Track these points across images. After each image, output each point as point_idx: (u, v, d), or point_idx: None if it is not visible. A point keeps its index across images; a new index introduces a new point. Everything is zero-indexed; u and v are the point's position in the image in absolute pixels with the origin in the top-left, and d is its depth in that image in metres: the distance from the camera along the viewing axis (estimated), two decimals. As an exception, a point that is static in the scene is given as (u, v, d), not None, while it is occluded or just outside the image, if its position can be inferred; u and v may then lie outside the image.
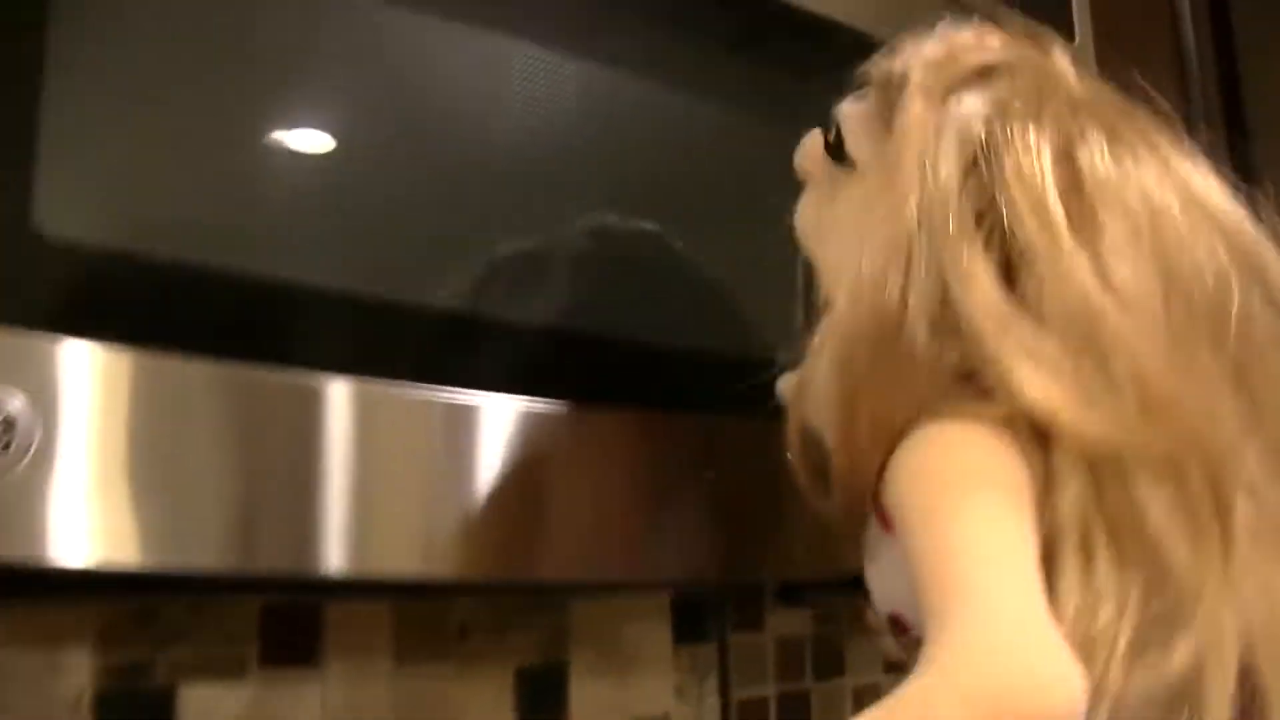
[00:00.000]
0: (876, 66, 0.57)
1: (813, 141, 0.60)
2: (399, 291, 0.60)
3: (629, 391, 0.68)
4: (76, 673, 0.78)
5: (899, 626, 0.54)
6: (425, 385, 0.59)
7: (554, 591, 0.96)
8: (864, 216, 0.53)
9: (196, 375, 0.53)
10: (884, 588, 0.54)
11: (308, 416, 0.56)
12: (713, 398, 0.71)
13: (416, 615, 0.92)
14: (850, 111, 0.58)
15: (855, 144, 0.57)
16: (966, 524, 0.43)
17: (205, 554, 0.54)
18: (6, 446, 0.47)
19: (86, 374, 0.49)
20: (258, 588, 0.81)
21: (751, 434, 0.66)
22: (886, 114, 0.54)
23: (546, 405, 0.63)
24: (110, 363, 0.50)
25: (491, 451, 0.61)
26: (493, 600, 0.95)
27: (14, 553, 0.48)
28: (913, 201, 0.49)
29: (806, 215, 0.61)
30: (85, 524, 0.49)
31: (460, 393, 0.60)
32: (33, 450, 0.48)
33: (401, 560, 0.59)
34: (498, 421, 0.61)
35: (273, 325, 0.56)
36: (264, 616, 0.85)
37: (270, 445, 0.55)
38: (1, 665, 0.76)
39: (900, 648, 0.54)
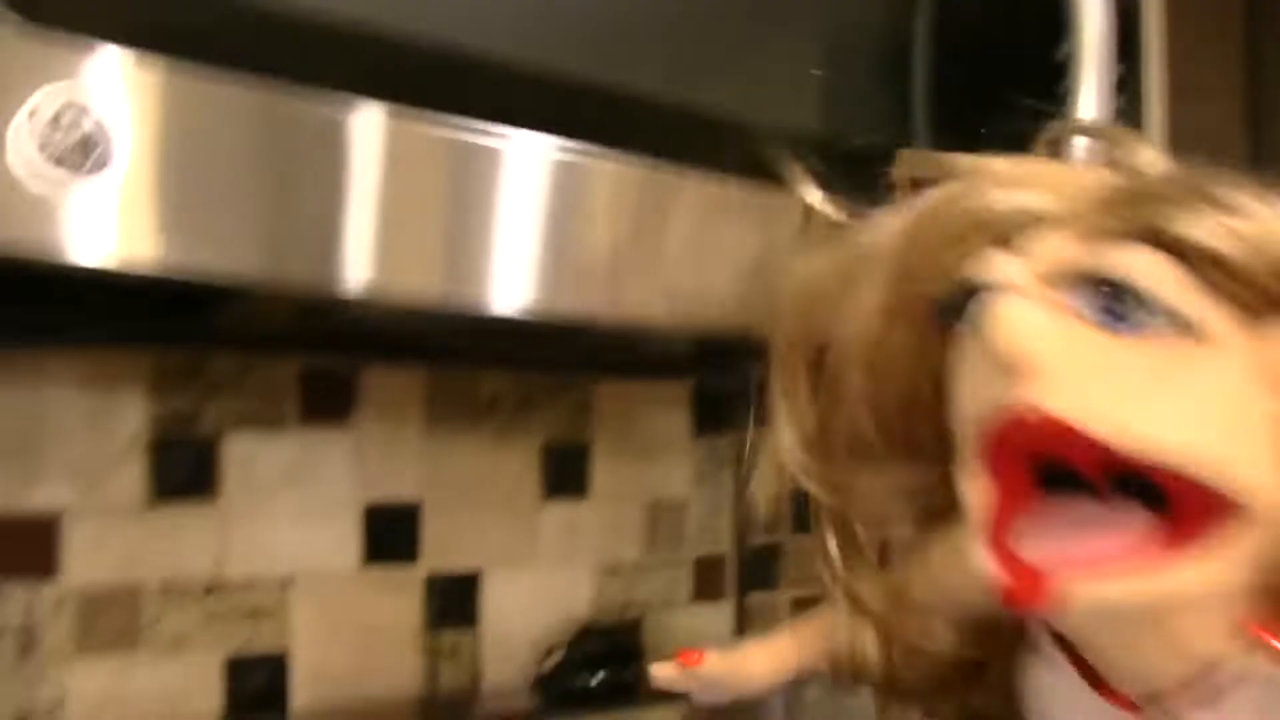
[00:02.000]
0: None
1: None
2: (432, 27, 0.63)
3: (658, 146, 0.71)
4: (131, 418, 0.85)
5: None
6: (455, 118, 0.62)
7: (576, 335, 1.01)
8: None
9: (229, 95, 0.56)
10: None
11: (338, 141, 0.59)
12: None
13: (446, 385, 0.97)
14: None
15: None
16: None
17: (245, 261, 0.58)
18: (83, 159, 0.51)
19: (136, 85, 0.53)
20: (297, 342, 0.87)
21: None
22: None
23: (577, 149, 0.66)
24: (149, 75, 0.54)
25: (518, 189, 0.64)
26: (520, 376, 1.01)
27: (89, 259, 0.53)
28: None
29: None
30: (141, 231, 0.54)
31: (491, 128, 0.63)
32: (101, 160, 0.52)
33: (423, 285, 0.63)
34: (526, 160, 0.64)
35: (304, 53, 0.59)
36: (303, 376, 0.91)
37: (301, 165, 0.59)
38: (62, 406, 0.82)
39: None
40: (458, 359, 0.97)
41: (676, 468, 1.10)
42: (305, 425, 0.91)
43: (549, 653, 0.97)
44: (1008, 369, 0.39)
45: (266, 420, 0.90)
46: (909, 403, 0.48)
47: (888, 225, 0.48)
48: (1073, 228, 0.42)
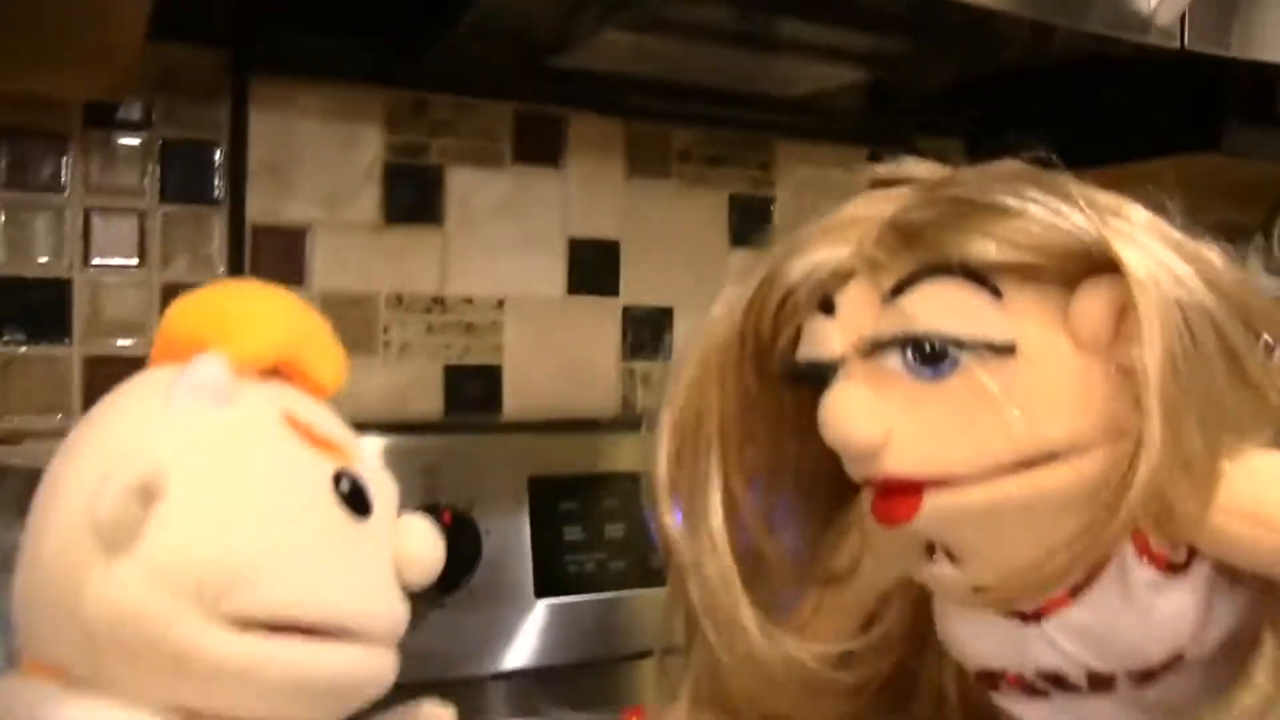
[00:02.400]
0: None
1: None
2: None
3: None
4: (367, 148, 0.94)
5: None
6: None
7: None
8: None
9: None
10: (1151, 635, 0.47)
11: None
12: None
13: (643, 137, 1.05)
14: None
15: None
16: None
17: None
18: None
19: None
20: (513, 87, 0.96)
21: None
22: None
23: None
24: None
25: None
26: (709, 133, 1.07)
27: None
28: None
29: None
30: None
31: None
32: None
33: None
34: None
35: None
36: (516, 119, 0.99)
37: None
38: (311, 135, 0.92)
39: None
40: (654, 113, 1.04)
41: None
42: (518, 163, 1.00)
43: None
44: (847, 454, 0.45)
45: (484, 157, 0.98)
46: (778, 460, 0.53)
47: (731, 300, 0.52)
48: (866, 276, 0.46)
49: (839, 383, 0.45)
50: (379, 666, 0.44)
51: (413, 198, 0.96)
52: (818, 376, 0.46)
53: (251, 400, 0.44)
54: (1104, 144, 1.08)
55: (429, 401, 0.97)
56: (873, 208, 0.48)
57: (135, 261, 0.87)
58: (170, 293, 0.88)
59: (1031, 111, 1.11)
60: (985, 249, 0.43)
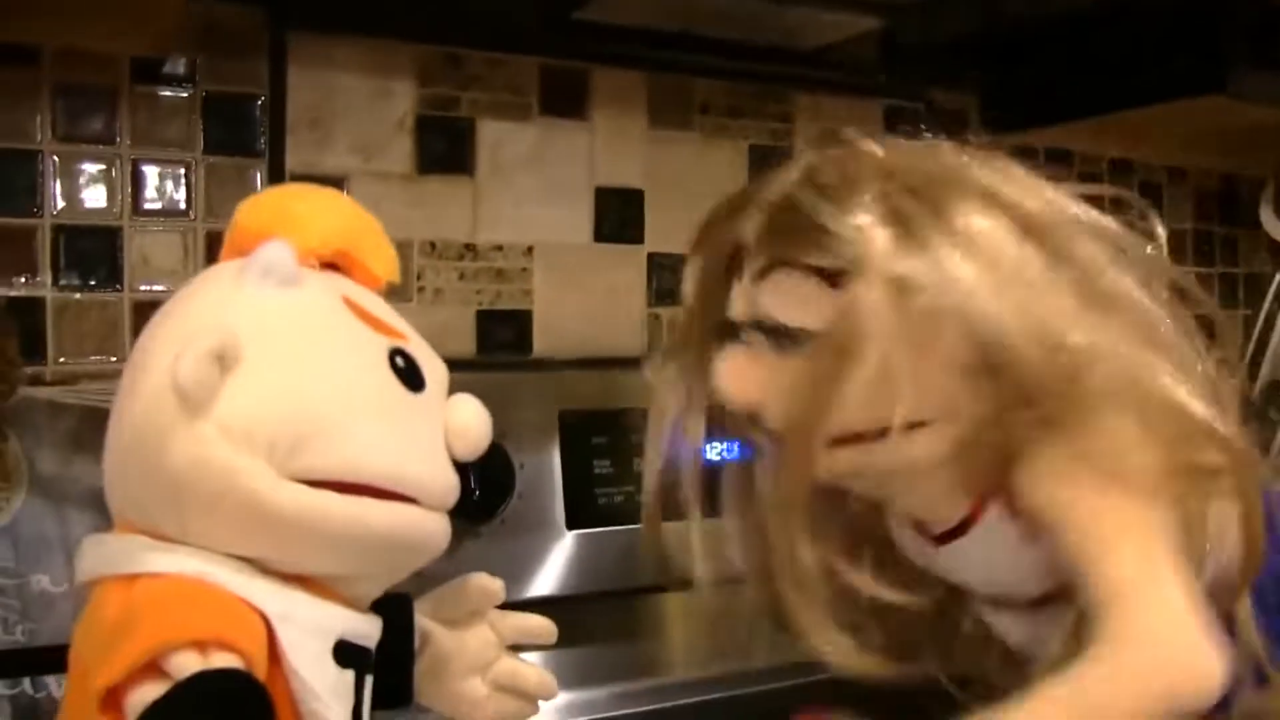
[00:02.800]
0: None
1: None
2: None
3: None
4: (401, 100, 0.98)
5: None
6: None
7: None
8: None
9: None
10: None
11: None
12: None
13: (666, 88, 1.08)
14: None
15: None
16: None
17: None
18: None
19: None
20: (539, 42, 0.99)
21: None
22: None
23: None
24: None
25: None
26: (729, 85, 1.11)
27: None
28: None
29: None
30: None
31: None
32: None
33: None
34: None
35: None
36: (543, 74, 1.03)
37: None
38: (347, 88, 0.96)
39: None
40: (676, 66, 1.08)
41: (870, 179, 1.19)
42: (546, 115, 1.03)
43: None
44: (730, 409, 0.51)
45: (513, 109, 1.02)
46: None
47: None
48: (753, 259, 0.51)
49: (727, 348, 0.51)
50: (434, 529, 0.48)
51: (444, 149, 1.00)
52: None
53: (314, 284, 0.48)
54: (1111, 91, 1.11)
55: (462, 345, 1.00)
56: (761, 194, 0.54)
57: (182, 210, 0.91)
58: (215, 240, 0.92)
59: (1042, 62, 1.14)
60: (814, 255, 0.49)
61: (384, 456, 0.45)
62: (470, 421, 0.50)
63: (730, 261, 0.53)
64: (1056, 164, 1.29)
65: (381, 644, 0.49)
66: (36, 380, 0.86)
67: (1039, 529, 0.50)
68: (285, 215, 0.49)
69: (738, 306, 0.51)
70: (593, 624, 0.95)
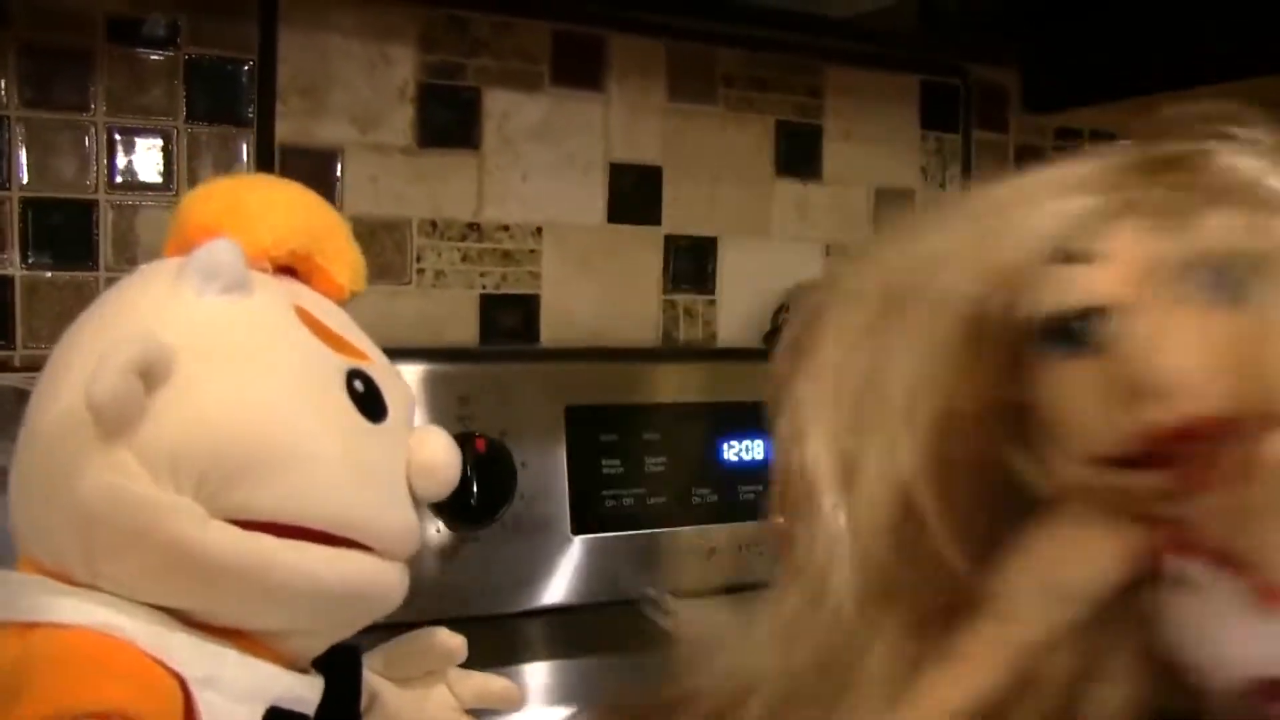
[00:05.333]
0: None
1: None
2: None
3: None
4: (401, 67, 0.91)
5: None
6: None
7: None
8: None
9: None
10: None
11: None
12: None
13: (687, 57, 1.01)
14: None
15: None
16: None
17: None
18: None
19: None
20: (551, 6, 0.92)
21: None
22: None
23: None
24: None
25: None
26: (756, 55, 1.03)
27: None
28: None
29: None
30: None
31: None
32: None
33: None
34: None
35: None
36: (555, 40, 0.96)
37: None
38: (343, 54, 0.89)
39: None
40: (699, 35, 1.00)
41: (904, 157, 1.12)
42: (558, 85, 0.96)
43: (782, 310, 1.02)
44: (1159, 389, 0.36)
45: (522, 78, 0.95)
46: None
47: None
48: (1134, 213, 0.40)
49: (1146, 317, 0.38)
50: (390, 580, 0.41)
51: (448, 120, 0.92)
52: (1081, 330, 0.39)
53: (264, 290, 0.41)
54: (1170, 68, 1.03)
55: (464, 331, 0.94)
56: (1087, 165, 0.43)
57: (161, 183, 0.85)
58: (198, 216, 0.86)
59: (1092, 34, 1.06)
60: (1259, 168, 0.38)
61: (334, 496, 0.39)
62: (438, 457, 0.43)
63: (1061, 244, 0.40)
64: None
65: (322, 705, 0.42)
66: (4, 366, 0.80)
67: None
68: (236, 209, 0.43)
69: (1179, 249, 0.38)
70: (599, 636, 0.88)
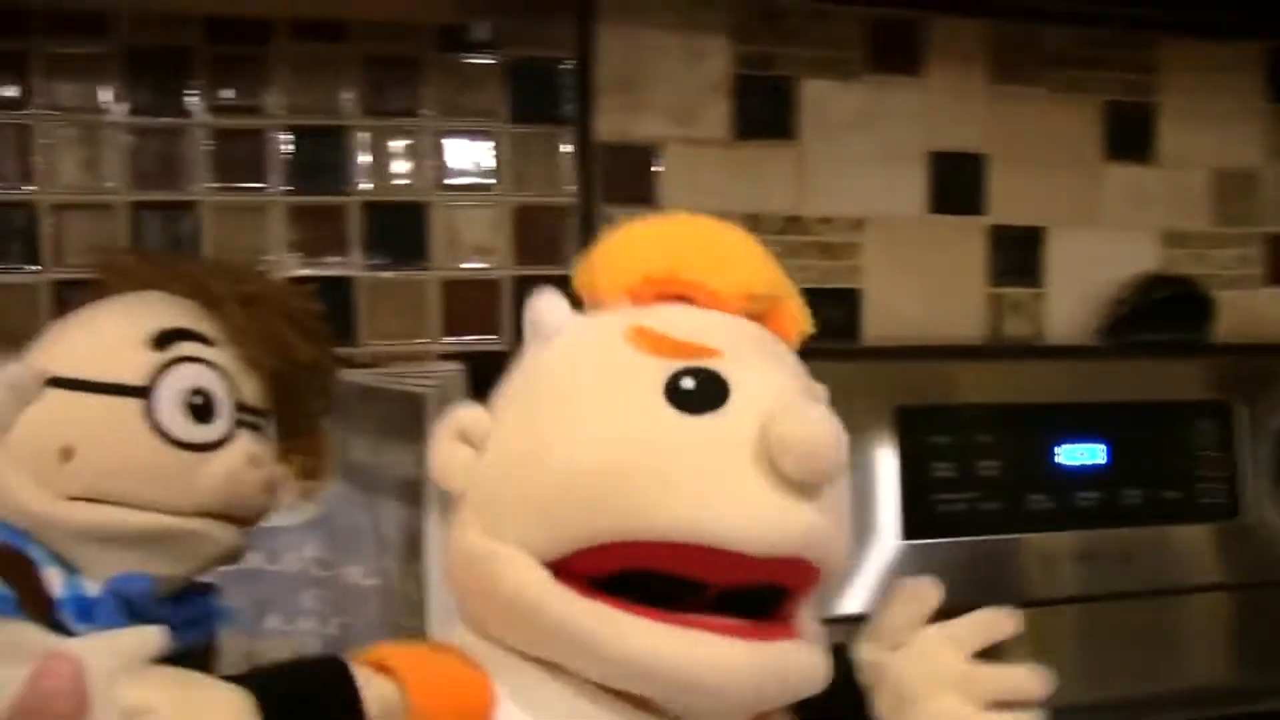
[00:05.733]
0: None
1: None
2: None
3: None
4: (716, 59, 0.89)
5: None
6: None
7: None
8: None
9: None
10: None
11: None
12: None
13: (1011, 39, 0.95)
14: None
15: None
16: None
17: None
18: None
19: None
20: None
21: None
22: None
23: None
24: None
25: None
26: (1085, 32, 0.96)
27: None
28: None
29: None
30: None
31: None
32: None
33: None
34: None
35: None
36: (871, 26, 0.92)
37: None
38: (658, 49, 0.88)
39: None
40: (1022, 12, 0.95)
41: (1247, 136, 1.03)
42: (874, 73, 0.92)
43: (1117, 304, 0.95)
44: None
45: (838, 67, 0.92)
46: None
47: None
48: None
49: None
50: (725, 666, 0.38)
51: (764, 111, 0.90)
52: None
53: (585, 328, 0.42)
54: None
55: (784, 328, 0.91)
56: None
57: (487, 182, 0.86)
58: (522, 214, 0.87)
59: None
60: None
61: (645, 503, 0.37)
62: (793, 432, 0.37)
63: None
64: None
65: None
66: (347, 363, 0.82)
67: None
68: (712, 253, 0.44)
69: None
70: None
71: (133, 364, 0.46)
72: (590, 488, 0.36)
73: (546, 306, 0.41)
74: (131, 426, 0.46)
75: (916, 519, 0.84)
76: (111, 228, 0.79)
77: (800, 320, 0.45)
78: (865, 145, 0.92)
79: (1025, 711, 0.46)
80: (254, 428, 0.49)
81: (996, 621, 0.48)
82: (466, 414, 0.40)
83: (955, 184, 0.95)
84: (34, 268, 0.78)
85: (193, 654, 0.48)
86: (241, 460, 0.47)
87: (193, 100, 0.80)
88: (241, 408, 0.48)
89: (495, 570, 0.37)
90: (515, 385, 0.41)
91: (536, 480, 0.37)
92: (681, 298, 0.41)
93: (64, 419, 0.46)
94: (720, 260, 0.42)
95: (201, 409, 0.47)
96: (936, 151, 0.94)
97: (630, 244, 0.43)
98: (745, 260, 0.43)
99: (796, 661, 0.37)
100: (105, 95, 0.79)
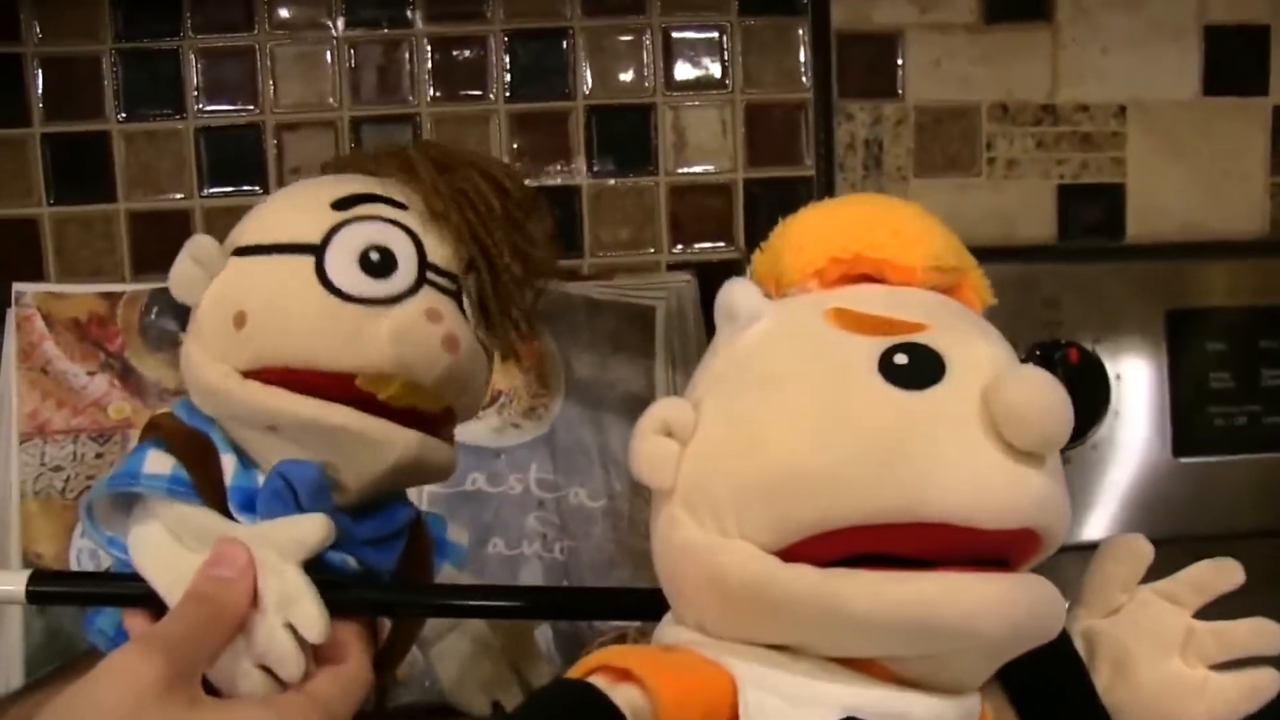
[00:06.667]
0: None
1: None
2: None
3: None
4: None
5: None
6: None
7: None
8: None
9: None
10: None
11: None
12: None
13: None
14: None
15: None
16: None
17: None
18: None
19: None
20: None
21: None
22: None
23: None
24: None
25: None
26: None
27: None
28: None
29: None
30: None
31: None
32: None
33: None
34: None
35: None
36: None
37: None
38: None
39: None
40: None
41: None
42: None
43: None
44: None
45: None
46: None
47: None
48: None
49: None
50: (963, 602, 0.35)
51: (1018, -10, 0.83)
52: None
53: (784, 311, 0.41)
54: None
55: (1040, 226, 0.84)
56: None
57: (718, 79, 0.81)
58: (753, 114, 0.82)
59: None
60: None
61: (863, 485, 0.35)
62: (1015, 399, 0.35)
63: None
64: None
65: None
66: (573, 275, 0.80)
67: None
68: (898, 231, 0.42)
69: None
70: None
71: (310, 224, 0.46)
72: (817, 474, 0.36)
73: (741, 292, 0.41)
74: (301, 282, 0.45)
75: (1190, 435, 0.78)
76: (333, 145, 0.78)
77: (983, 291, 0.43)
78: (1128, 22, 0.83)
79: (1261, 669, 0.44)
80: (442, 290, 0.47)
81: (1220, 573, 0.45)
82: (669, 406, 0.39)
83: (1234, 62, 0.85)
84: (257, 189, 0.78)
85: (376, 575, 0.48)
86: (417, 314, 0.45)
87: (411, 11, 0.78)
88: (431, 268, 0.46)
89: (719, 561, 0.37)
90: (713, 372, 0.41)
91: (755, 470, 0.37)
92: (867, 277, 0.41)
93: (240, 285, 0.46)
94: (905, 235, 0.41)
95: (378, 265, 0.45)
96: (1211, 25, 0.85)
97: (812, 226, 0.43)
98: (929, 234, 0.42)
99: (1041, 595, 0.36)
100: (325, 12, 0.78)
